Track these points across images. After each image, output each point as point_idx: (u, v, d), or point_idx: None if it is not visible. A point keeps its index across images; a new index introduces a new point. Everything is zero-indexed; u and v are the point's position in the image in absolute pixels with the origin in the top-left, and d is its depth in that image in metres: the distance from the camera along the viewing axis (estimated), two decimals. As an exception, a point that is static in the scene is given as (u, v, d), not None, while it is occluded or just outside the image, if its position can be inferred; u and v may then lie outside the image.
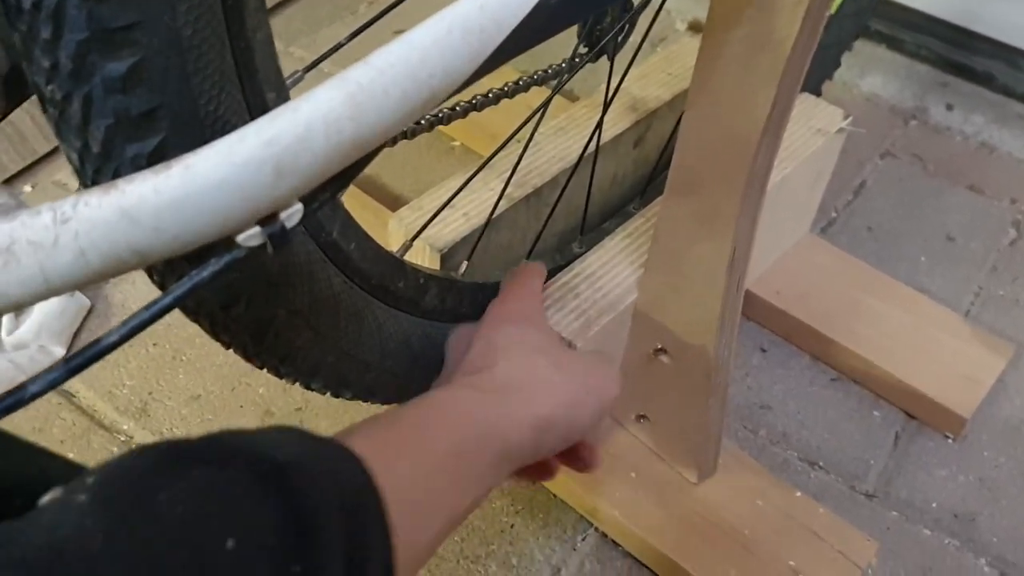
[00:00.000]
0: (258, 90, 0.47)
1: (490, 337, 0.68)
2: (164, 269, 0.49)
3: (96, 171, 0.44)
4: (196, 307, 0.53)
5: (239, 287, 0.52)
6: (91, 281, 0.40)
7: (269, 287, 0.53)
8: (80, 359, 0.40)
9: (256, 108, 0.47)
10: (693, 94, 0.68)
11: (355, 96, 0.43)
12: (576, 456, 0.69)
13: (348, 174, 0.46)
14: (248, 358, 0.58)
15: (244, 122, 0.46)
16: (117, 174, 0.43)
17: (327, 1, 1.57)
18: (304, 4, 1.55)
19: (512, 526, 0.89)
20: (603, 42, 0.83)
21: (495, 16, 0.46)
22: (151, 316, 0.42)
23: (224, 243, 0.43)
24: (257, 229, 0.43)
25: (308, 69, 0.57)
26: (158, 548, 0.34)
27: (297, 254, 0.54)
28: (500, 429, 0.57)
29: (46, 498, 0.35)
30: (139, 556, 0.33)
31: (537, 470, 0.70)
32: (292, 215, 0.43)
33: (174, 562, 0.34)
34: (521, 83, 0.89)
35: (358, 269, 0.61)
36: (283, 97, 0.50)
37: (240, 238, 0.42)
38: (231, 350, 0.57)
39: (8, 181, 1.20)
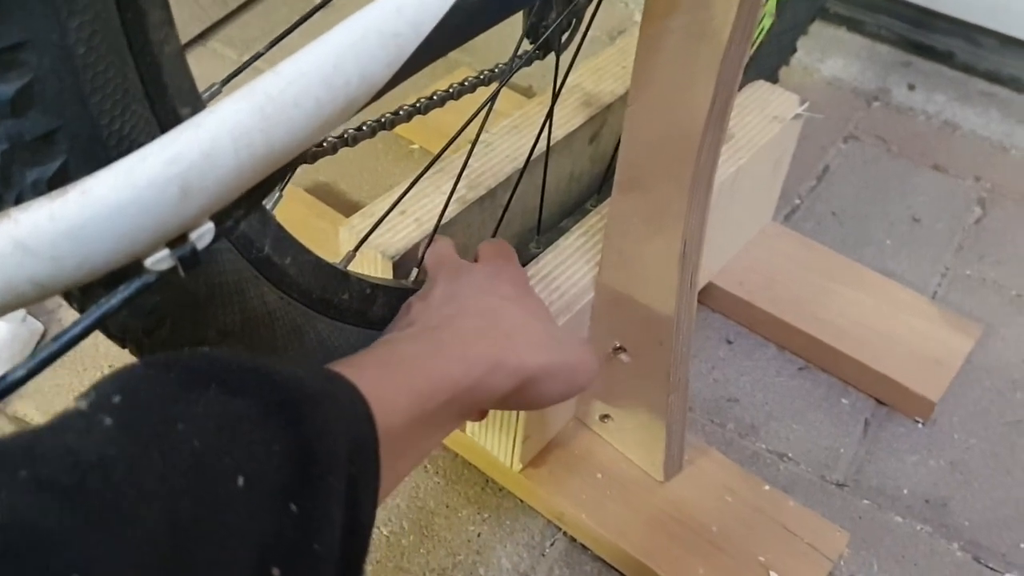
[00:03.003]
0: (170, 106, 0.46)
1: (487, 278, 0.68)
2: (80, 295, 0.47)
3: (-3, 199, 0.42)
4: (120, 332, 0.51)
5: (162, 310, 0.50)
6: (-10, 315, 0.38)
7: (195, 308, 0.52)
8: (-15, 395, 0.39)
9: (168, 125, 0.45)
10: (634, 90, 0.67)
11: (264, 108, 0.41)
12: None
13: (264, 188, 0.45)
14: (183, 381, 0.56)
15: (154, 140, 0.44)
16: (19, 201, 0.42)
17: (282, 6, 1.54)
18: (260, 11, 1.53)
19: (479, 535, 0.88)
20: (544, 36, 0.82)
21: (412, 19, 0.45)
22: (60, 348, 0.40)
23: (135, 266, 0.41)
24: (166, 252, 0.41)
25: (226, 81, 0.55)
26: (176, 484, 0.35)
27: (224, 272, 0.52)
28: (491, 379, 0.58)
29: (71, 407, 0.37)
30: (157, 492, 0.34)
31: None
32: (203, 235, 0.42)
33: (189, 499, 0.35)
34: (467, 83, 0.87)
35: (295, 284, 0.60)
36: (199, 112, 0.48)
37: (148, 262, 0.41)
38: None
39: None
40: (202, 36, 1.45)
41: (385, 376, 0.52)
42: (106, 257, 0.39)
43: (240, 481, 0.37)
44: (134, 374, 0.39)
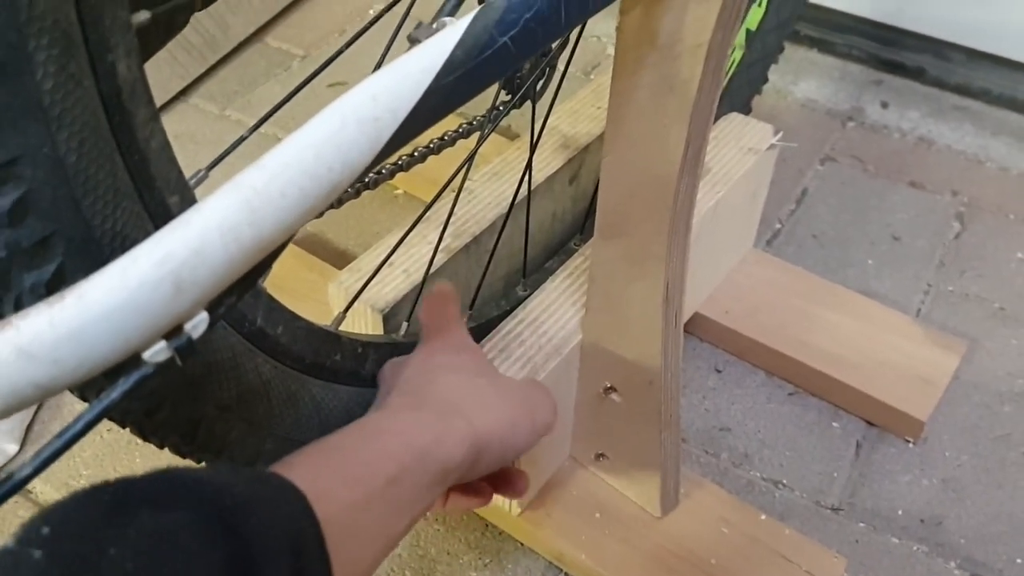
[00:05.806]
0: (159, 198, 0.47)
1: (424, 360, 0.68)
2: (81, 384, 0.49)
3: (-4, 302, 0.43)
4: (121, 416, 0.52)
5: (160, 392, 0.51)
6: (-6, 419, 0.39)
7: (192, 388, 0.53)
8: (-7, 498, 0.40)
9: (159, 216, 0.47)
10: (609, 140, 0.68)
11: (250, 201, 0.42)
12: (507, 481, 0.70)
13: (255, 274, 0.46)
14: (183, 456, 0.57)
15: (146, 233, 0.46)
16: (19, 303, 0.43)
17: (260, 59, 1.56)
18: (237, 64, 1.55)
19: (481, 579, 0.89)
20: (523, 88, 0.84)
21: (389, 105, 0.46)
22: (64, 444, 0.41)
23: (133, 360, 0.43)
24: (163, 344, 0.42)
25: (211, 167, 0.56)
26: None
27: (219, 350, 0.54)
28: (438, 449, 0.56)
29: None
30: None
31: (472, 497, 0.70)
32: (198, 325, 0.43)
33: None
34: (447, 138, 0.89)
35: (288, 352, 0.61)
36: (188, 199, 0.50)
37: (146, 355, 0.42)
38: (166, 449, 0.57)
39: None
40: (183, 93, 1.47)
41: (317, 468, 0.51)
42: (105, 357, 0.40)
43: None
44: (63, 506, 0.39)
